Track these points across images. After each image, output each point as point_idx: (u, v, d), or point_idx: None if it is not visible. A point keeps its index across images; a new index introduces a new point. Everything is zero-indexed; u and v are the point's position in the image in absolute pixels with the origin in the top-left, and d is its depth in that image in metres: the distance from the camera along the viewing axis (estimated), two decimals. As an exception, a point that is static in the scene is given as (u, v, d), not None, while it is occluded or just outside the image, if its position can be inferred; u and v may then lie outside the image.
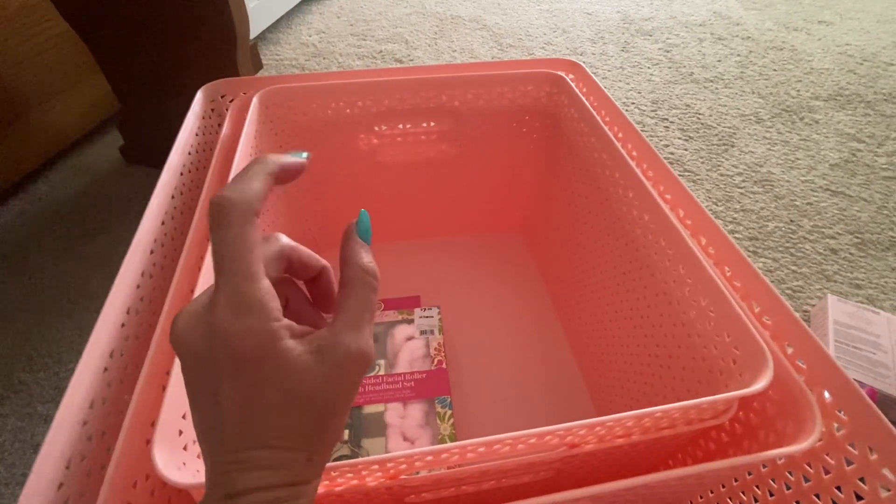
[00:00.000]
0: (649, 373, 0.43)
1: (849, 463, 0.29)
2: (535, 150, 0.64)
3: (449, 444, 0.27)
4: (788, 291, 0.72)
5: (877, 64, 1.21)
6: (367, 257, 0.21)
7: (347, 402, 0.20)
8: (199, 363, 0.18)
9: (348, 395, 0.19)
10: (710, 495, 0.39)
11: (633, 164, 0.44)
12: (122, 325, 0.34)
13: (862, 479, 0.28)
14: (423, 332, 0.55)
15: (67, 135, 0.90)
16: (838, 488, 0.29)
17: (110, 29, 0.73)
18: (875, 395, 0.55)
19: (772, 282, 0.74)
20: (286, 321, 0.19)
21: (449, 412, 0.49)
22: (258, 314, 0.18)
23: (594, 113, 0.51)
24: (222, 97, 0.57)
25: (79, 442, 0.29)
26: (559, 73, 0.58)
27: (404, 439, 0.47)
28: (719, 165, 0.93)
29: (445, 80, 0.57)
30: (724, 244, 0.38)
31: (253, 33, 1.15)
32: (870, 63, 1.22)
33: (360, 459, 0.27)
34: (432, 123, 0.62)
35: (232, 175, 0.43)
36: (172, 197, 0.44)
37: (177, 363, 0.31)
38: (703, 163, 0.94)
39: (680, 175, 0.91)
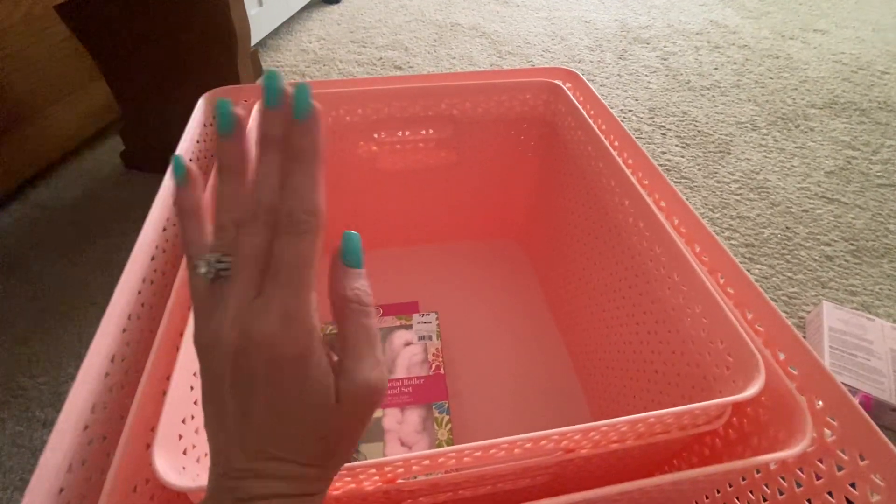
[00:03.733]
0: (645, 378, 0.44)
1: (840, 468, 0.29)
2: (532, 157, 0.65)
3: (445, 449, 0.28)
4: (784, 298, 0.72)
5: (872, 72, 1.23)
6: (350, 285, 0.20)
7: (361, 429, 0.20)
8: (234, 367, 0.18)
9: (362, 422, 0.20)
10: (706, 500, 0.40)
11: (628, 172, 0.45)
12: (124, 330, 0.34)
13: (853, 485, 0.29)
14: (421, 338, 0.56)
15: (68, 140, 0.91)
16: (830, 493, 0.30)
17: (112, 35, 0.74)
18: (869, 400, 0.55)
19: (767, 288, 0.74)
20: (323, 341, 0.19)
21: (446, 417, 0.49)
22: (305, 326, 0.18)
23: (590, 122, 0.51)
24: (223, 104, 0.57)
25: (80, 446, 0.29)
26: (556, 82, 0.59)
27: (402, 444, 0.47)
28: (716, 172, 0.94)
29: (444, 89, 0.58)
30: (717, 252, 0.39)
31: (254, 40, 1.16)
32: (865, 71, 1.23)
33: (357, 463, 0.27)
34: (431, 131, 0.63)
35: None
36: (174, 203, 0.44)
37: (179, 368, 0.31)
38: (699, 170, 0.95)
39: (676, 182, 0.92)
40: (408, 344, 0.55)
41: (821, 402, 0.31)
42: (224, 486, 0.19)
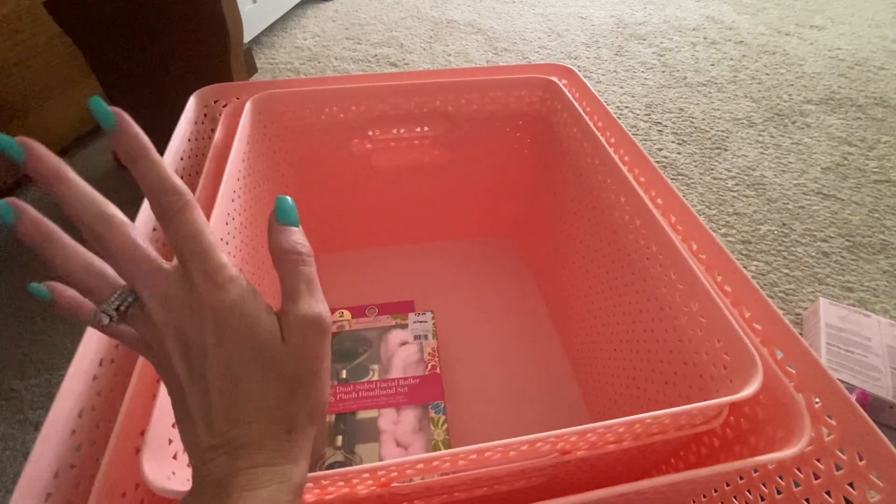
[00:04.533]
0: (642, 377, 0.43)
1: (838, 468, 0.29)
2: (528, 154, 0.64)
3: (440, 452, 0.27)
4: (781, 294, 0.72)
5: (868, 68, 1.23)
6: (286, 238, 0.21)
7: (315, 372, 0.21)
8: (181, 344, 0.19)
9: (314, 362, 0.21)
10: (703, 499, 0.39)
11: (624, 169, 0.44)
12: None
13: (851, 485, 0.29)
14: (417, 337, 0.55)
15: (60, 139, 0.90)
16: (828, 493, 0.30)
17: (102, 32, 0.73)
18: (866, 397, 0.55)
19: (764, 285, 0.74)
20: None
21: (443, 417, 0.49)
22: (227, 275, 0.20)
23: (586, 118, 0.51)
24: (215, 102, 0.57)
25: (67, 451, 0.29)
26: (552, 78, 0.58)
27: (398, 445, 0.47)
28: (712, 169, 0.94)
29: (439, 86, 0.57)
30: (715, 249, 0.39)
31: (248, 37, 1.15)
32: (861, 67, 1.23)
33: (350, 468, 0.26)
34: (426, 128, 0.62)
35: (224, 182, 0.43)
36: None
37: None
38: (696, 166, 0.94)
39: (673, 179, 0.92)
40: (403, 343, 0.55)
41: (819, 401, 0.31)
42: (201, 475, 0.19)
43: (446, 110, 0.60)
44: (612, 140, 0.52)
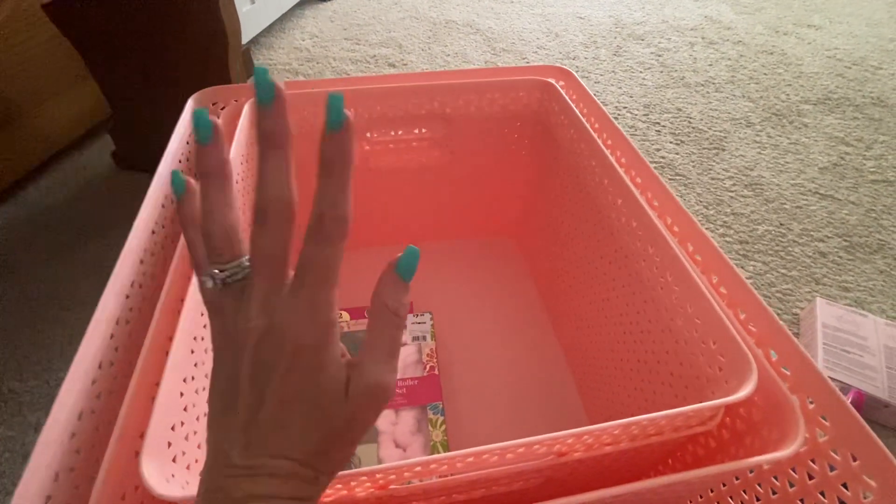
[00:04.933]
0: (639, 378, 0.44)
1: (832, 469, 0.29)
2: (526, 156, 0.65)
3: (438, 456, 0.28)
4: (778, 294, 0.73)
5: (865, 68, 1.23)
6: (394, 294, 0.21)
7: (361, 430, 0.21)
8: (256, 356, 0.19)
9: (364, 422, 0.20)
10: (700, 500, 0.40)
11: (621, 171, 0.44)
12: (112, 335, 0.34)
13: (845, 485, 0.29)
14: (415, 338, 0.55)
15: (58, 140, 0.90)
16: (822, 493, 0.30)
17: (100, 34, 0.73)
18: (862, 397, 0.56)
19: (762, 285, 0.74)
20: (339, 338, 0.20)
21: (441, 419, 0.49)
22: (328, 318, 0.19)
23: (583, 120, 0.51)
24: (213, 104, 0.57)
25: (67, 454, 0.29)
26: (549, 80, 0.58)
27: (396, 446, 0.47)
28: (710, 169, 0.94)
29: (437, 88, 0.57)
30: (711, 251, 0.39)
31: (246, 38, 1.15)
32: (858, 67, 1.23)
33: (349, 471, 0.27)
34: (424, 130, 0.62)
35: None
36: (163, 206, 0.44)
37: (169, 373, 0.31)
38: (694, 167, 0.95)
39: (671, 179, 0.92)
40: (402, 345, 0.55)
41: (813, 402, 0.31)
42: (218, 486, 0.19)
43: (444, 112, 0.60)
44: (609, 142, 0.52)
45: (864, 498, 0.28)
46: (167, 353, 0.32)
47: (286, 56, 1.25)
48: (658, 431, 0.31)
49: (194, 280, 0.36)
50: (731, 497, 0.36)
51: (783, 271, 0.76)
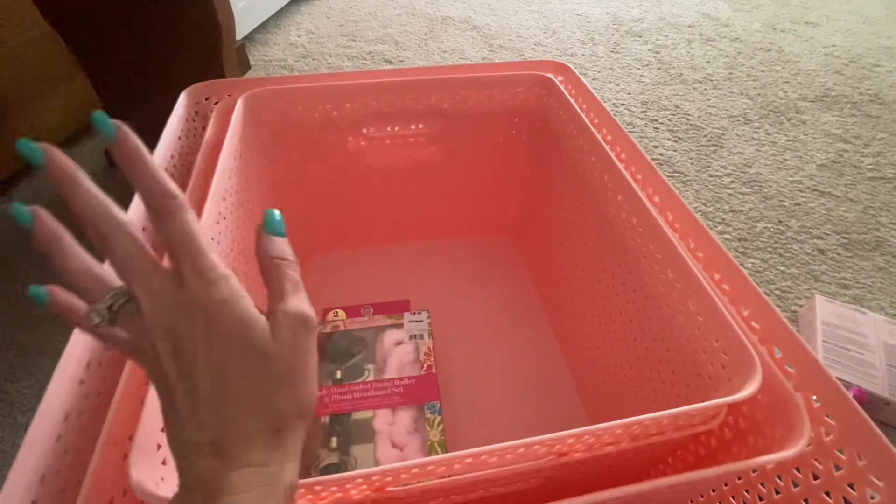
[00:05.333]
0: (639, 376, 0.43)
1: (837, 468, 0.29)
2: (524, 152, 0.64)
3: (435, 457, 0.27)
4: (777, 292, 0.72)
5: (862, 65, 1.23)
6: (271, 246, 0.23)
7: (303, 368, 0.21)
8: (172, 341, 0.19)
9: (302, 357, 0.21)
10: (701, 499, 0.39)
11: (621, 166, 0.44)
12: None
13: (851, 486, 0.28)
14: (412, 337, 0.55)
15: (51, 137, 0.88)
16: (827, 493, 0.29)
17: (92, 29, 0.72)
18: (863, 395, 0.55)
19: (760, 282, 0.74)
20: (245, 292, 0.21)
21: (438, 418, 0.48)
22: (217, 274, 0.20)
23: (582, 115, 0.51)
24: (206, 99, 0.56)
25: (53, 456, 0.28)
26: (548, 75, 0.58)
27: (393, 446, 0.46)
28: (708, 166, 0.94)
29: (433, 83, 0.57)
30: (712, 248, 0.38)
31: (241, 34, 1.14)
32: (856, 64, 1.23)
33: (345, 474, 0.26)
34: (421, 126, 0.61)
35: (216, 180, 0.42)
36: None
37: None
38: (692, 164, 0.94)
39: (669, 176, 0.92)
40: (399, 343, 0.54)
41: (818, 401, 0.30)
42: (188, 476, 0.19)
43: (442, 107, 0.59)
44: (609, 137, 0.51)
45: (871, 498, 0.27)
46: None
47: (281, 52, 1.24)
48: (660, 431, 0.30)
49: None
50: (732, 497, 0.36)
51: (782, 268, 0.76)
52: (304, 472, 0.44)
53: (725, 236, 0.80)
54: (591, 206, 0.50)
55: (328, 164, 0.61)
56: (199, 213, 0.39)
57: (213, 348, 0.19)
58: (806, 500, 0.30)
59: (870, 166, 0.94)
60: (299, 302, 0.22)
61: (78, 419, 0.30)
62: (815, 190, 0.89)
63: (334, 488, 0.27)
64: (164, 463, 0.28)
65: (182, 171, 0.50)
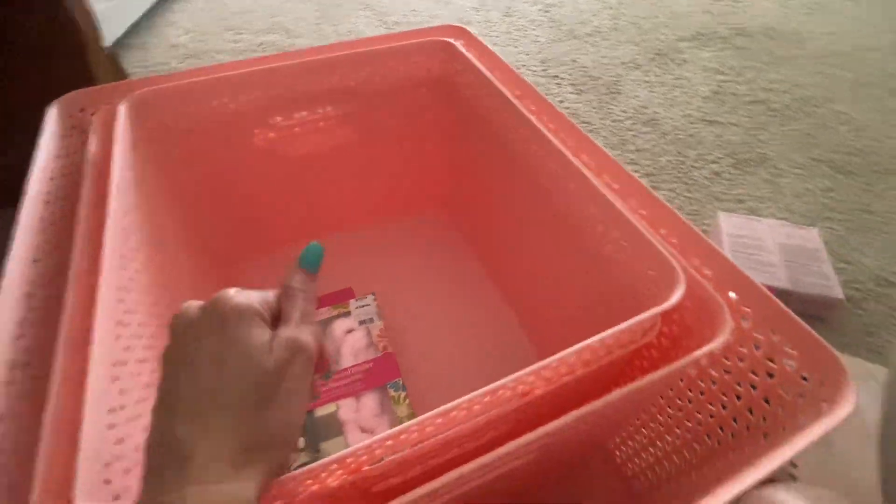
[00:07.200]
0: (582, 308, 0.46)
1: (757, 348, 0.33)
2: (440, 121, 0.64)
3: (406, 424, 0.27)
4: (688, 217, 0.79)
5: (726, 2, 1.35)
6: (297, 278, 0.26)
7: (290, 393, 0.22)
8: (191, 336, 0.22)
9: (291, 382, 0.22)
10: (653, 409, 0.43)
11: (532, 118, 0.45)
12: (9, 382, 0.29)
13: (771, 360, 0.32)
14: (361, 322, 0.54)
15: None
16: (754, 372, 0.33)
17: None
18: (771, 291, 0.62)
19: (672, 210, 0.81)
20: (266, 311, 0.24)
21: (403, 394, 0.48)
22: (250, 297, 0.24)
23: (488, 74, 0.51)
24: (81, 111, 0.50)
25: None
26: (448, 39, 0.58)
27: (363, 432, 0.46)
28: (611, 113, 0.99)
29: (332, 61, 0.55)
30: (626, 179, 0.41)
31: (109, 40, 1.02)
32: (721, 2, 1.35)
33: (317, 463, 0.25)
34: (329, 108, 0.59)
35: (113, 198, 0.38)
36: (42, 230, 0.38)
37: (91, 406, 0.27)
38: (595, 112, 0.99)
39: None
40: (350, 331, 0.53)
41: (734, 295, 0.34)
42: (159, 463, 0.20)
43: (347, 86, 0.58)
44: (517, 92, 0.53)
45: (789, 367, 0.31)
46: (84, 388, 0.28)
47: (162, 55, 1.13)
48: (608, 351, 0.33)
49: (101, 306, 0.31)
50: (679, 399, 0.39)
51: (688, 195, 0.83)
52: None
53: (635, 174, 0.86)
54: (511, 161, 0.51)
55: (238, 162, 0.58)
56: (98, 238, 0.35)
57: (217, 338, 0.22)
58: (739, 384, 0.34)
59: (745, 93, 1.05)
60: (301, 331, 0.24)
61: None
62: (704, 120, 0.98)
63: (309, 481, 0.27)
64: (118, 499, 0.26)
65: (68, 193, 0.45)
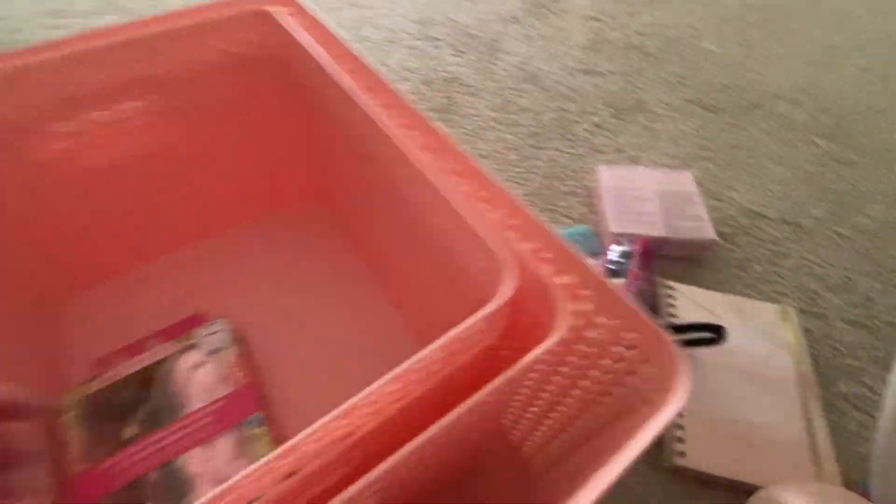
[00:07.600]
0: (435, 297, 0.42)
1: (601, 334, 0.30)
2: (275, 104, 0.56)
3: (262, 461, 0.23)
4: (571, 174, 0.77)
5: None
6: None
7: None
8: None
9: None
10: (519, 404, 0.40)
11: (363, 97, 0.39)
12: None
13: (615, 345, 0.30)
14: (211, 352, 0.47)
15: None
16: (602, 358, 0.31)
17: None
18: (646, 242, 0.62)
19: (558, 169, 0.79)
20: None
21: (264, 429, 0.42)
22: None
23: (312, 48, 0.44)
24: None
25: None
26: (266, 8, 0.49)
27: (219, 484, 0.40)
28: (493, 74, 0.95)
29: (126, 45, 0.45)
30: (462, 161, 0.36)
31: None
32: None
33: None
34: (138, 103, 0.49)
35: None
36: None
37: None
38: (476, 74, 0.94)
39: (459, 93, 0.91)
40: (198, 366, 0.46)
41: (568, 279, 0.31)
42: None
43: (155, 73, 0.48)
44: (348, 67, 0.46)
45: (629, 353, 0.29)
46: None
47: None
48: (441, 366, 0.29)
49: None
50: (540, 391, 0.37)
51: (571, 151, 0.81)
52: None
53: (519, 136, 0.83)
54: (357, 147, 0.45)
55: (29, 180, 0.47)
56: None
57: None
58: (591, 367, 0.32)
59: (620, 38, 1.04)
60: None
61: None
62: (583, 71, 0.96)
63: None
64: None
65: None
